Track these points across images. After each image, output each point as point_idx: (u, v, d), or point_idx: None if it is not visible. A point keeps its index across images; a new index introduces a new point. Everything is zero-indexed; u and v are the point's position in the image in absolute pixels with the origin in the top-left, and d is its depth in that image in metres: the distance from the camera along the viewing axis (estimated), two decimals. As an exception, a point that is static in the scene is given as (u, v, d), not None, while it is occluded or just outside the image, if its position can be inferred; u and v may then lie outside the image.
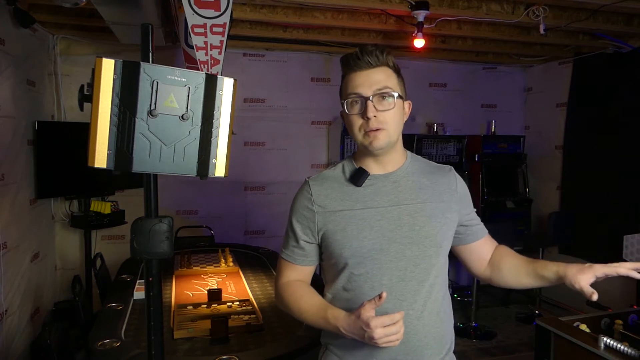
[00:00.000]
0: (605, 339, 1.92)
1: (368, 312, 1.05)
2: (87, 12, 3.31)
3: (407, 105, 1.29)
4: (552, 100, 4.95)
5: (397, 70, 1.26)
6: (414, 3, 3.11)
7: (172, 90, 0.88)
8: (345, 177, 1.29)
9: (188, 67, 2.85)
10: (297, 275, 1.32)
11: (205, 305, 2.37)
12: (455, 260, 1.43)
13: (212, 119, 0.92)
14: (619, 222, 3.93)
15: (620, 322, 2.16)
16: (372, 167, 1.28)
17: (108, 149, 0.84)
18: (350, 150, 4.34)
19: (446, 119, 5.05)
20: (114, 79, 0.84)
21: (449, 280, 1.43)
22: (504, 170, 4.92)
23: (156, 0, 2.79)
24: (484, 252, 1.39)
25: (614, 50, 4.17)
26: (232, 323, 2.11)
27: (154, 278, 0.97)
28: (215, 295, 2.44)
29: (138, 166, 0.87)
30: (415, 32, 3.31)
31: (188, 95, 0.89)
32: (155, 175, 0.96)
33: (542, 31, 3.29)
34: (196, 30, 2.43)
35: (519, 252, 1.39)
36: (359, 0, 3.14)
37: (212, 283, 2.80)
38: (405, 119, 1.28)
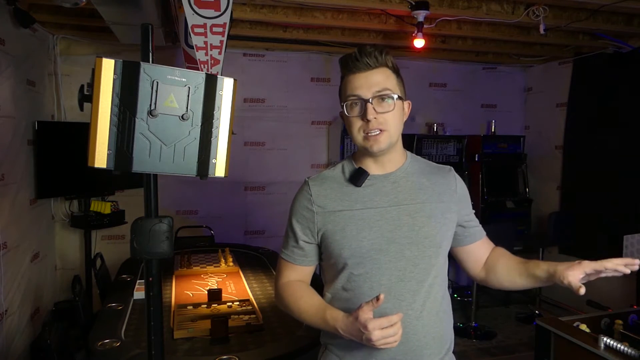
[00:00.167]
0: (605, 339, 1.92)
1: (366, 313, 1.05)
2: (87, 12, 3.31)
3: (407, 105, 1.29)
4: (552, 100, 4.95)
5: (396, 71, 1.26)
6: (414, 3, 3.11)
7: (172, 90, 0.88)
8: (344, 177, 1.29)
9: (188, 67, 2.85)
10: (297, 275, 1.32)
11: (205, 305, 2.37)
12: (455, 260, 1.44)
13: (212, 119, 0.92)
14: (619, 222, 3.93)
15: (620, 322, 2.16)
16: (372, 167, 1.28)
17: (108, 149, 0.85)
18: (350, 150, 4.34)
19: (446, 119, 5.05)
20: (114, 79, 0.84)
21: (449, 280, 1.44)
22: (504, 170, 4.92)
23: (156, 0, 2.79)
24: (481, 254, 1.39)
25: (614, 50, 4.17)
26: (232, 323, 2.11)
27: (154, 278, 0.97)
28: (215, 295, 2.44)
29: (138, 166, 0.87)
30: (415, 32, 3.31)
31: (188, 95, 0.89)
32: (155, 175, 0.96)
33: (542, 31, 3.29)
34: (196, 30, 2.43)
35: (519, 252, 1.40)
36: (359, 0, 3.14)
37: (212, 283, 2.80)
38: (405, 119, 1.28)
